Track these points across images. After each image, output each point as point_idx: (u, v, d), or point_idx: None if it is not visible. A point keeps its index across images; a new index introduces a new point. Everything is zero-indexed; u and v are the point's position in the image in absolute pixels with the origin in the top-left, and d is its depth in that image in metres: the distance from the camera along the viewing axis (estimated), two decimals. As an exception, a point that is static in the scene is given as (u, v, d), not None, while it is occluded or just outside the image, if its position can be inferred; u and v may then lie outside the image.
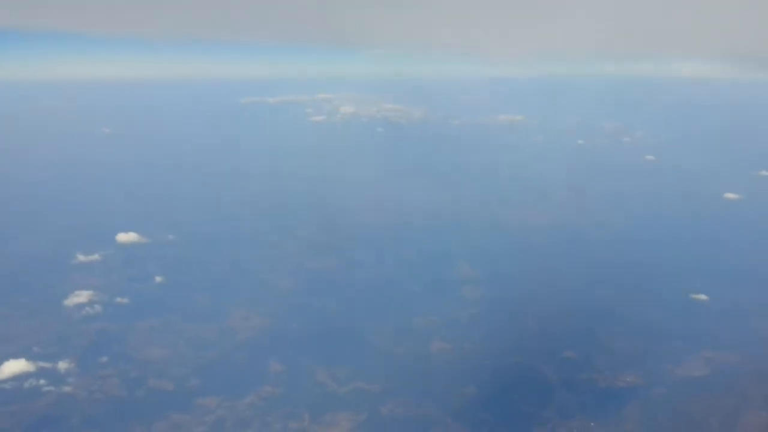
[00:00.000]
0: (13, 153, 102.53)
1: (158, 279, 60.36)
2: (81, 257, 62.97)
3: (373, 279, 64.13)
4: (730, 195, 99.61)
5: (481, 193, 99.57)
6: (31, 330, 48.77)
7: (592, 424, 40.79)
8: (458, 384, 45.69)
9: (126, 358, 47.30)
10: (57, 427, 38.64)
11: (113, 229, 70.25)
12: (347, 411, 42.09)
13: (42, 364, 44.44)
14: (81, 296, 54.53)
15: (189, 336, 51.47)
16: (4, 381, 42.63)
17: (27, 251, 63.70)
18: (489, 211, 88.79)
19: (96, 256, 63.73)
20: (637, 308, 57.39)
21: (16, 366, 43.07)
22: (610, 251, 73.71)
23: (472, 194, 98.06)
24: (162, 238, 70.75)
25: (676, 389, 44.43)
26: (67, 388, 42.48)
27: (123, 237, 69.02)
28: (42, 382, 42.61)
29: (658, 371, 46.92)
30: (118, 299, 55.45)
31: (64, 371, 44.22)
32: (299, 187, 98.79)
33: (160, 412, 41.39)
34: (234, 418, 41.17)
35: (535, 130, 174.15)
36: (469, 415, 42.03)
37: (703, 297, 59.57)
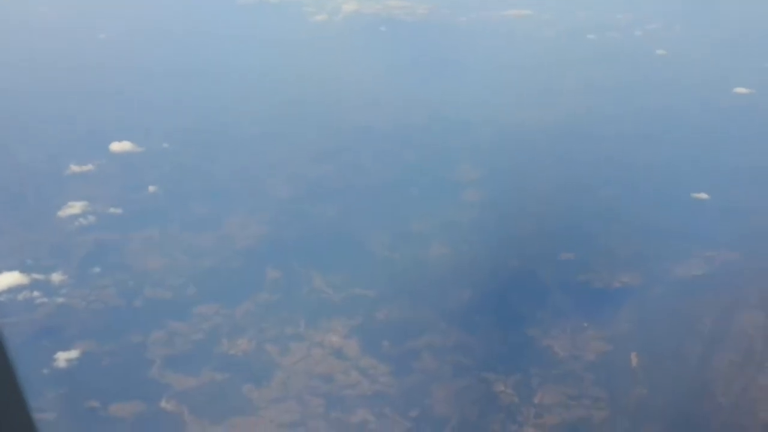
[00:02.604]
0: (2, 63, 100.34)
1: (154, 188, 59.59)
2: (74, 168, 62.04)
3: (374, 184, 63.17)
4: (740, 89, 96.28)
5: (488, 91, 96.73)
6: (23, 242, 48.50)
7: (585, 324, 40.89)
8: (455, 288, 45.72)
9: (122, 269, 47.32)
10: (56, 336, 39.04)
11: (107, 138, 68.98)
12: (343, 316, 42.35)
13: (36, 276, 44.45)
14: (74, 207, 53.86)
15: (186, 245, 51.26)
16: (-1, 294, 42.83)
17: (19, 163, 62.86)
18: (495, 110, 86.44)
19: (89, 166, 62.70)
20: (638, 208, 56.50)
21: (9, 278, 43.11)
22: (615, 149, 71.98)
23: (478, 93, 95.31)
24: (157, 147, 69.49)
25: (673, 289, 44.23)
26: (62, 299, 42.70)
27: (117, 146, 67.65)
28: (36, 293, 42.77)
29: (655, 271, 46.64)
30: (112, 210, 54.81)
31: (59, 283, 44.24)
32: (299, 91, 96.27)
33: (157, 320, 41.77)
34: (230, 325, 41.55)
35: (544, 24, 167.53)
36: (464, 318, 42.22)
37: (704, 196, 58.44)
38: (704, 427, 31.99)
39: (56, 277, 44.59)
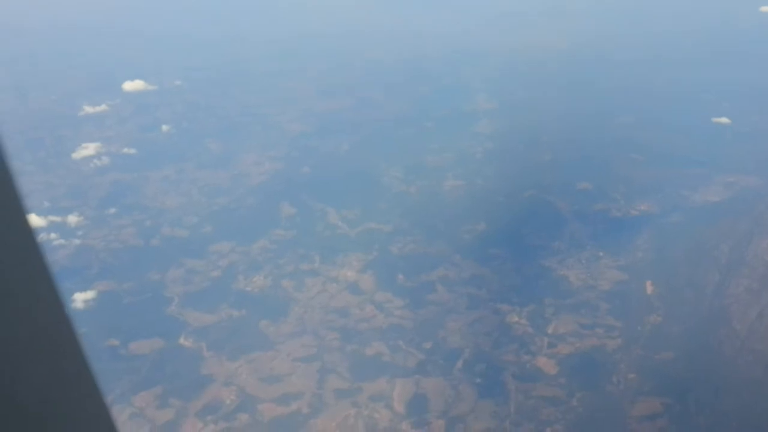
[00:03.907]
0: (12, 3, 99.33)
1: (167, 127, 59.51)
2: (88, 108, 61.95)
3: (387, 117, 62.47)
4: (765, 8, 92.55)
5: (502, 17, 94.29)
6: (39, 184, 48.90)
7: (601, 253, 40.65)
8: (469, 220, 45.49)
9: (139, 208, 47.73)
10: (75, 277, 39.61)
11: (120, 78, 68.61)
12: (358, 251, 42.45)
13: (52, 218, 44.97)
14: (89, 149, 54.03)
15: (201, 184, 51.45)
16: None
17: (33, 105, 62.78)
18: (509, 38, 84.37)
19: (103, 107, 62.57)
20: (657, 134, 55.39)
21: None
22: (632, 74, 70.27)
23: (489, 21, 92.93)
24: (169, 84, 69.07)
25: (690, 216, 43.65)
26: (79, 241, 43.27)
27: (129, 85, 67.32)
28: (53, 236, 43.33)
29: (673, 198, 45.98)
30: (126, 150, 54.98)
31: (76, 224, 44.79)
32: (307, 24, 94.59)
33: (175, 258, 42.25)
34: (247, 262, 41.92)
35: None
36: (479, 251, 42.14)
37: (725, 120, 56.91)
38: (718, 354, 31.96)
39: (73, 218, 45.06)
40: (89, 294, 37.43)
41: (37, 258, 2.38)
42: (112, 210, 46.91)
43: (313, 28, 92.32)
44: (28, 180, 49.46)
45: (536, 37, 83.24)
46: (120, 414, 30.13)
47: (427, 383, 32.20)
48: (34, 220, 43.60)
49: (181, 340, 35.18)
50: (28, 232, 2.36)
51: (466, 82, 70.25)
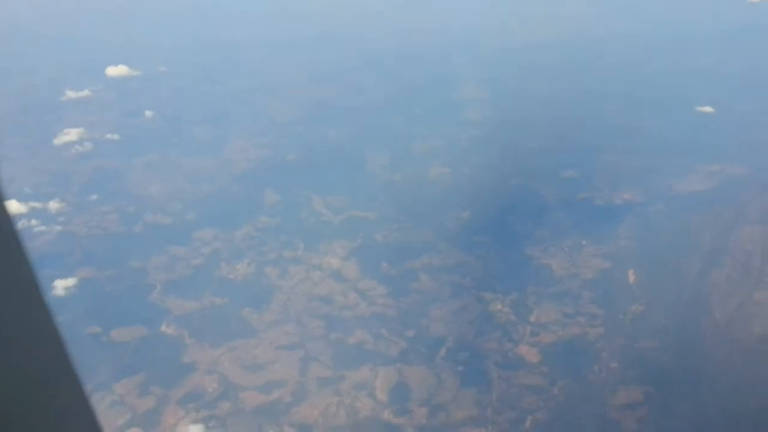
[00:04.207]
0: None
1: (151, 113, 58.90)
2: (71, 94, 61.23)
3: (376, 105, 62.06)
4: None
5: (495, 10, 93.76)
6: (20, 170, 48.25)
7: (584, 242, 40.72)
8: (455, 209, 45.43)
9: (122, 195, 47.29)
10: (58, 263, 39.27)
11: (103, 63, 67.75)
12: (342, 239, 42.32)
13: (34, 204, 44.46)
14: (71, 134, 53.42)
15: (185, 170, 51.00)
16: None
17: (14, 90, 62.00)
18: (501, 29, 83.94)
19: (86, 92, 61.85)
20: (642, 123, 55.36)
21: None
22: (622, 63, 70.22)
23: (485, 12, 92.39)
24: (153, 70, 68.30)
25: (674, 205, 43.77)
26: (60, 227, 42.83)
27: (113, 71, 66.53)
28: (34, 222, 42.86)
29: (657, 187, 46.03)
30: (109, 136, 54.35)
31: (57, 211, 44.30)
32: (300, 15, 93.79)
33: (158, 245, 41.93)
34: (230, 249, 41.72)
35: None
36: (464, 239, 42.13)
37: (708, 109, 56.95)
38: (698, 343, 32.18)
39: (54, 204, 44.53)
40: (70, 281, 37.11)
41: (14, 245, 2.36)
42: (95, 196, 46.48)
43: (304, 14, 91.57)
44: (8, 165, 48.92)
45: (527, 28, 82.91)
46: (101, 402, 29.97)
47: (409, 371, 32.23)
48: (15, 206, 43.15)
49: (163, 328, 35.01)
50: (6, 218, 2.37)
51: (457, 71, 69.87)
